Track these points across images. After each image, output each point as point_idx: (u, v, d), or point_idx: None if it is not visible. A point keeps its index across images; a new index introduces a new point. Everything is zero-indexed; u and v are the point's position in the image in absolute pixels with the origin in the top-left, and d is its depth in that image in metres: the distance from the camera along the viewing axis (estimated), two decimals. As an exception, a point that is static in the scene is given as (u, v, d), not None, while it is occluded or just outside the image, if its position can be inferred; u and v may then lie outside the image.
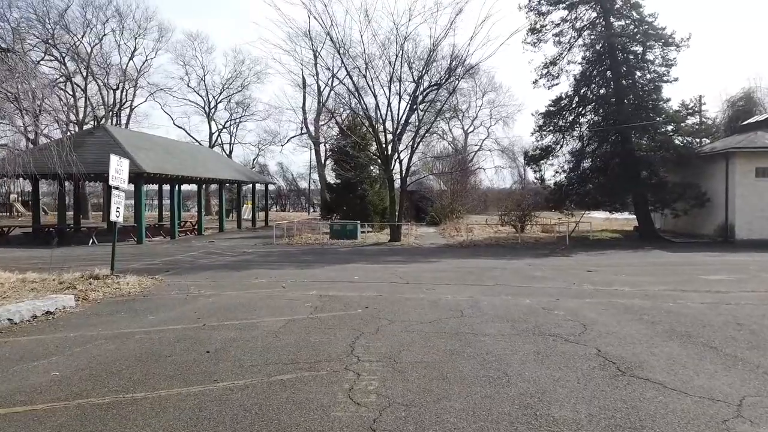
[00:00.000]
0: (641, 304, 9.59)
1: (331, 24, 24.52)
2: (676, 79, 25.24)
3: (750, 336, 7.26)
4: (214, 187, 47.54)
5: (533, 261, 17.47)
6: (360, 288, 11.56)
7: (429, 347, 6.72)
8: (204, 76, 60.85)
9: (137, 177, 23.95)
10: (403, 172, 26.18)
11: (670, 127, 25.35)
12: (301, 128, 54.53)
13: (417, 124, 26.22)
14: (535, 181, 36.88)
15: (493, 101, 64.89)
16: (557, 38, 27.11)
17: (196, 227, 30.53)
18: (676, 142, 25.39)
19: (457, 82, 27.16)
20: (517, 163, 67.37)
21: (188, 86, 60.02)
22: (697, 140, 26.05)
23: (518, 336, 7.29)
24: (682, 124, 25.80)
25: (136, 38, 52.75)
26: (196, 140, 58.74)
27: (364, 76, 24.75)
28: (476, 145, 64.06)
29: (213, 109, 61.32)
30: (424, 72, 24.84)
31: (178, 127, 67.94)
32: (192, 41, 68.42)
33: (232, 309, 9.23)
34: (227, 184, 36.58)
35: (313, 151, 54.99)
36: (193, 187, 37.98)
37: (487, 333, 7.46)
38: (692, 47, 46.51)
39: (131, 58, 52.78)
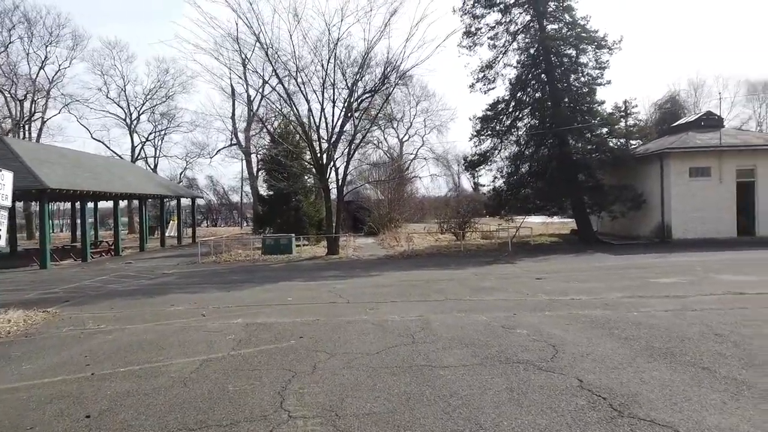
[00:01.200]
0: (605, 316, 8.71)
1: (259, 25, 22.91)
2: (609, 82, 25.38)
3: (736, 350, 6.43)
4: (136, 203, 44.31)
5: (479, 270, 16.57)
6: (294, 312, 10.11)
7: (379, 390, 5.42)
8: (125, 86, 57.00)
9: (41, 193, 21.36)
10: (340, 181, 24.82)
11: (605, 130, 25.39)
12: (231, 138, 52.10)
13: (352, 131, 25.01)
14: (474, 187, 36.43)
15: (427, 110, 64.80)
16: (492, 42, 26.72)
17: (113, 247, 27.83)
18: (611, 144, 25.49)
19: (392, 88, 26.21)
20: (451, 171, 67.58)
21: (107, 97, 55.99)
22: (632, 142, 26.28)
23: (483, 366, 6.12)
24: (615, 126, 25.92)
25: (47, 46, 48.63)
26: (117, 154, 54.82)
27: (296, 80, 23.29)
28: (411, 154, 63.73)
29: (135, 121, 57.54)
30: (358, 78, 23.65)
31: (97, 140, 63.46)
32: (110, 50, 63.97)
33: (135, 348, 7.55)
34: (150, 200, 33.85)
35: (244, 162, 52.60)
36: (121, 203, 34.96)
37: (447, 364, 6.25)
38: (623, 50, 48.29)
39: (42, 68, 48.59)
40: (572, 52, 25.38)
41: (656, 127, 30.60)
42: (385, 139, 57.94)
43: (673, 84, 76.01)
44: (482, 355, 6.61)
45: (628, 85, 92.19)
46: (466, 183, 62.59)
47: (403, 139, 63.46)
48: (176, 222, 39.44)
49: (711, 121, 26.37)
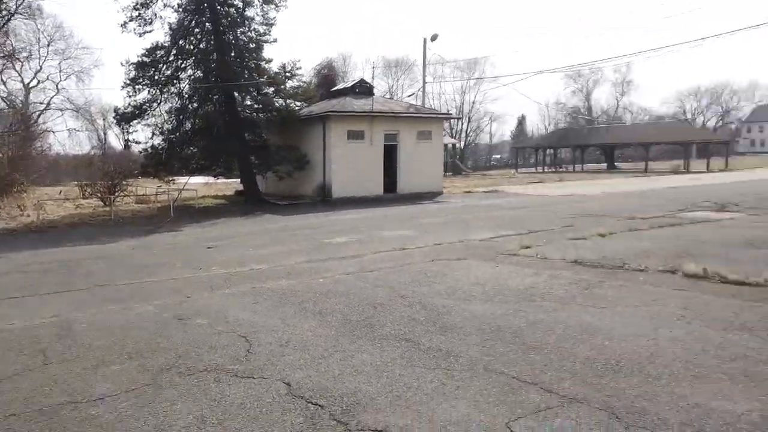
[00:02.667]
0: (292, 287, 7.90)
1: None
2: (275, 40, 24.85)
3: (426, 313, 6.33)
4: None
5: (137, 242, 14.09)
6: None
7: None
8: None
9: None
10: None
11: (272, 89, 24.98)
12: None
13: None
14: (126, 144, 32.02)
15: (64, 52, 54.13)
16: None
17: None
18: (278, 104, 25.27)
19: (9, 18, 20.12)
20: (96, 126, 58.87)
21: None
22: (297, 103, 26.55)
23: (158, 388, 4.43)
24: (282, 86, 25.72)
25: None
26: None
27: None
28: (42, 103, 52.59)
29: None
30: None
31: None
32: None
33: None
34: None
35: None
36: None
37: (101, 394, 4.32)
38: (290, 10, 48.69)
39: None
40: (239, 3, 23.92)
41: (317, 90, 31.99)
42: (4, 83, 46.38)
43: (325, 52, 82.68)
44: (154, 367, 4.89)
45: (293, 47, 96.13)
46: (115, 140, 55.53)
47: (30, 85, 51.86)
48: None
49: (364, 89, 28.71)
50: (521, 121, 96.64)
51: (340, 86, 32.17)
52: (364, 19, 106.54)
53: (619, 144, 58.71)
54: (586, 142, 58.96)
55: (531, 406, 3.83)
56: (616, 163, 60.32)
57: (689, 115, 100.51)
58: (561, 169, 59.64)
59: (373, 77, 47.14)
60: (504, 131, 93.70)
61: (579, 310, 6.21)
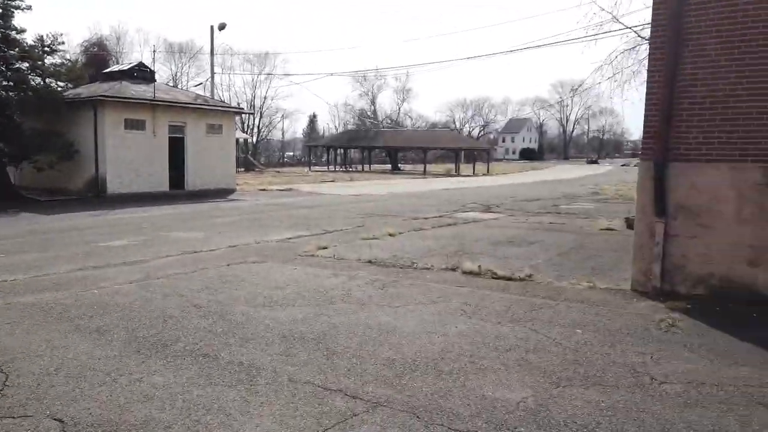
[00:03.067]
0: (59, 301, 6.81)
1: None
2: (29, 7, 21.08)
3: (223, 323, 5.98)
4: None
5: None
6: None
7: None
8: None
9: None
10: None
11: (26, 65, 21.24)
12: None
13: None
14: None
15: None
16: None
17: None
18: (36, 83, 21.61)
19: None
20: None
21: None
22: (60, 84, 22.95)
23: None
24: (39, 62, 22.07)
25: None
26: None
27: None
28: None
29: None
30: None
31: None
32: None
33: None
34: None
35: None
36: None
37: None
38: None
39: None
40: None
41: (85, 70, 28.16)
42: None
43: (95, 27, 73.09)
44: None
45: (55, 16, 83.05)
46: None
47: None
48: None
49: (144, 74, 26.22)
50: (313, 120, 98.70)
51: (114, 68, 28.98)
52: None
53: (402, 147, 63.60)
54: (373, 144, 62.57)
55: (337, 415, 3.84)
56: (399, 165, 65.24)
57: (458, 124, 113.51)
58: (351, 169, 62.41)
59: (153, 61, 43.52)
60: (296, 129, 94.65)
61: (376, 310, 6.48)
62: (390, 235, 12.14)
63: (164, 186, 23.33)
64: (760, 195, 6.62)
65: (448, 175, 50.18)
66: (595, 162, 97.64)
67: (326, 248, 10.60)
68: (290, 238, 12.05)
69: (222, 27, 35.84)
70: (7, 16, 20.68)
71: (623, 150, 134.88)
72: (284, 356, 4.99)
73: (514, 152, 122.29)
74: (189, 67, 70.30)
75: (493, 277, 8.02)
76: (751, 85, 6.58)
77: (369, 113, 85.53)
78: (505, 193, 25.42)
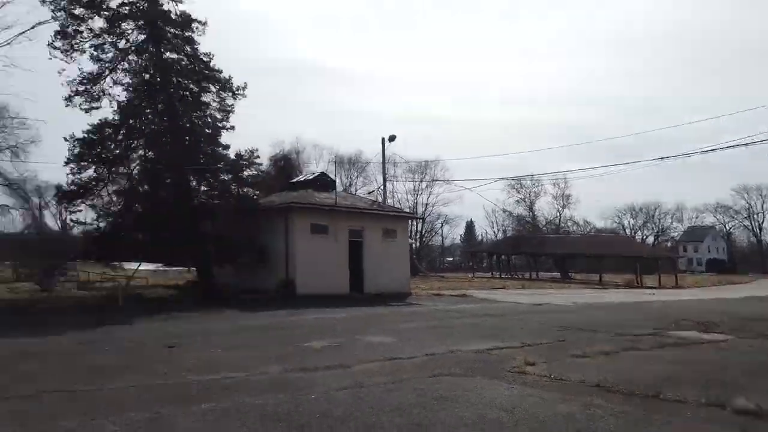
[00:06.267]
0: (282, 405, 6.47)
1: None
2: (233, 127, 24.32)
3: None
4: None
5: (85, 336, 12.29)
6: None
7: None
8: None
9: None
10: None
11: (229, 176, 24.13)
12: None
13: None
14: (64, 225, 30.06)
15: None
16: (97, 53, 22.28)
17: None
18: (237, 192, 24.33)
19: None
20: (31, 204, 55.56)
21: None
22: (256, 193, 25.69)
23: None
24: (240, 174, 24.93)
25: None
26: None
27: None
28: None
29: None
30: None
31: None
32: None
33: None
34: None
35: None
36: None
37: None
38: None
39: None
40: (195, 87, 23.52)
41: (275, 181, 31.48)
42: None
43: (277, 145, 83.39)
44: None
45: (248, 136, 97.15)
46: (52, 220, 52.47)
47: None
48: None
49: (325, 183, 28.43)
50: (470, 226, 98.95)
51: (300, 178, 31.78)
52: (317, 113, 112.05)
53: (573, 254, 60.18)
54: (538, 251, 60.17)
55: None
56: (569, 273, 61.50)
57: (628, 231, 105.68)
58: (516, 275, 60.14)
59: (335, 172, 47.39)
60: (454, 234, 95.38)
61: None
62: (605, 354, 10.59)
63: (345, 288, 24.02)
64: None
65: (628, 286, 45.74)
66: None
67: (534, 365, 9.41)
68: (487, 350, 11.06)
69: (392, 139, 38.19)
70: (216, 135, 23.88)
71: None
72: None
73: (699, 263, 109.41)
74: (356, 177, 75.56)
75: (782, 422, 6.22)
76: None
77: (528, 219, 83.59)
78: (715, 309, 21.91)
